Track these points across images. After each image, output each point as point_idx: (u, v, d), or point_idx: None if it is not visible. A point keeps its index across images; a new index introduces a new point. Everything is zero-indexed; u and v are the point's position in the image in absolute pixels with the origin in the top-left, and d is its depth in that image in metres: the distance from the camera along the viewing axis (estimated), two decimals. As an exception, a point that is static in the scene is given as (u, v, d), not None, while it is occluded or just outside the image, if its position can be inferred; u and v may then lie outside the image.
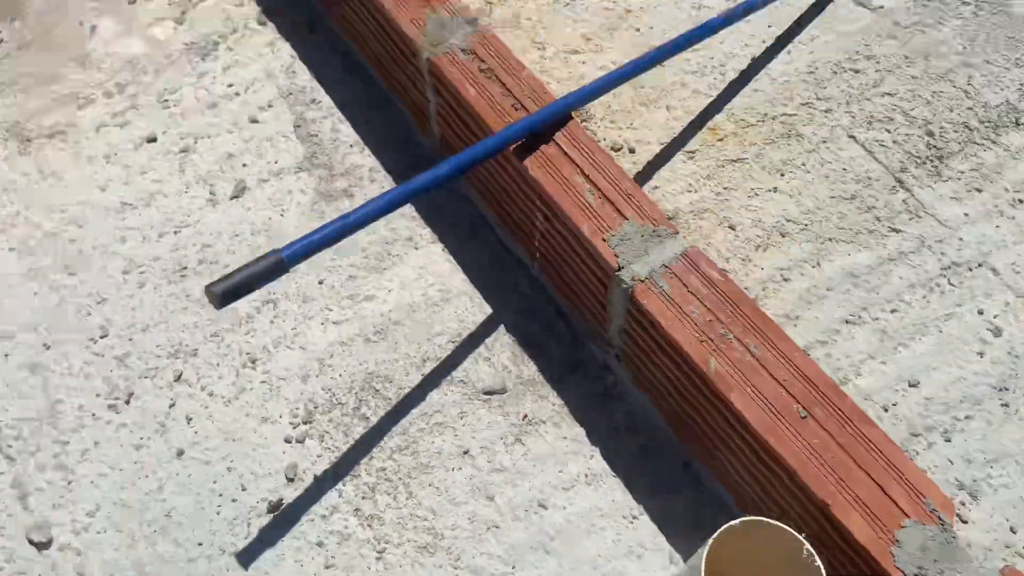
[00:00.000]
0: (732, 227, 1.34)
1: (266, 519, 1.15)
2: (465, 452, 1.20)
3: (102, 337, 1.28)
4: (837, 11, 1.58)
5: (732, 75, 1.50)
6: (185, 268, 1.34)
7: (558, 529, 1.14)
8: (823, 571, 0.90)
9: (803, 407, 1.00)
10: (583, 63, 1.51)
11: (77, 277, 1.33)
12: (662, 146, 1.42)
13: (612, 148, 1.42)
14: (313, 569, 1.11)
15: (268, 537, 1.13)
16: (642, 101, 1.47)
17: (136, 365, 1.25)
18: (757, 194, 1.38)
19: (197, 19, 1.61)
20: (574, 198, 1.13)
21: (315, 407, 1.23)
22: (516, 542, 1.13)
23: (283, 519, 1.15)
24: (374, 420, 1.22)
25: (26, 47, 1.55)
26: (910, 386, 1.23)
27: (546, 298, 1.32)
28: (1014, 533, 1.13)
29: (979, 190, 1.41)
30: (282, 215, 1.40)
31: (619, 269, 1.08)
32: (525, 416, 1.22)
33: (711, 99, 1.47)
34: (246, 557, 1.11)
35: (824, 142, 1.44)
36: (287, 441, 1.20)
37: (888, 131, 1.45)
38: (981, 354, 1.26)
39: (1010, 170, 1.43)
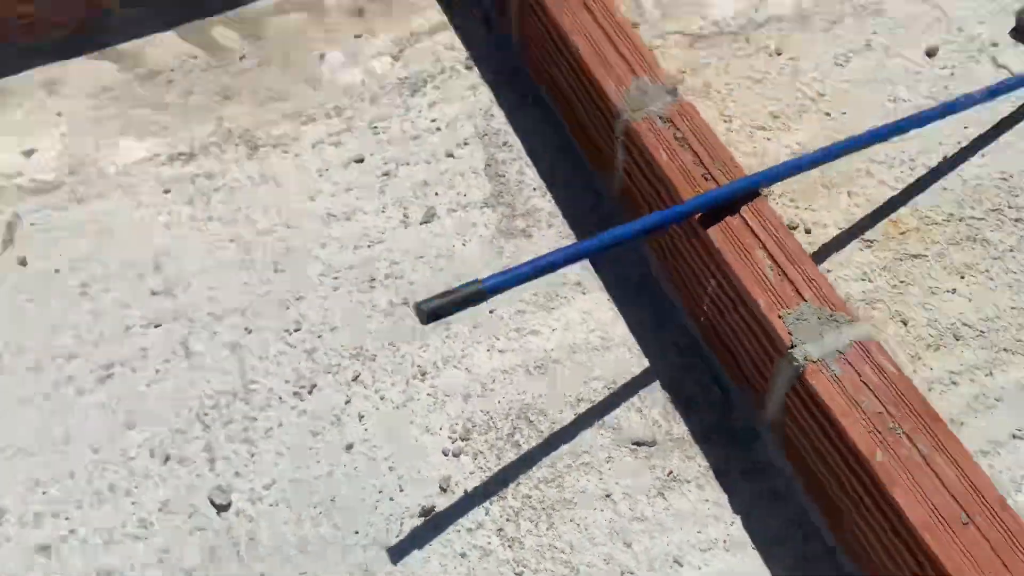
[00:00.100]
0: (904, 322, 1.34)
1: (418, 521, 1.24)
2: (608, 495, 1.25)
3: (295, 331, 1.42)
4: (1039, 119, 1.56)
5: (921, 171, 1.50)
6: (374, 280, 1.48)
7: (690, 588, 1.17)
8: None
9: (966, 512, 0.99)
10: (768, 140, 1.55)
11: (282, 274, 1.49)
12: (839, 231, 1.44)
13: (788, 226, 1.45)
14: (453, 577, 1.19)
15: (418, 539, 1.22)
16: (824, 183, 1.50)
17: (321, 360, 1.39)
18: (935, 293, 1.37)
19: (412, 57, 1.78)
20: (754, 271, 1.17)
21: (473, 426, 1.32)
22: (647, 592, 1.16)
23: (433, 525, 1.23)
24: (525, 448, 1.30)
25: (266, 64, 1.77)
26: (1079, 515, 1.18)
27: (704, 360, 1.36)
28: None
29: None
30: (464, 244, 1.52)
31: (792, 347, 1.11)
32: (671, 472, 1.26)
33: (896, 192, 1.47)
34: (396, 554, 1.21)
35: (1011, 250, 1.41)
36: (444, 453, 1.30)
37: (1083, 248, 1.41)
38: None
39: None
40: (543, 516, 1.23)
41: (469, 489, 1.26)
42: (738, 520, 1.21)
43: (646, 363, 1.36)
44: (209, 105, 1.69)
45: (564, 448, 1.29)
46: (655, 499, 1.24)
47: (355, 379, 1.37)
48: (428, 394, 1.35)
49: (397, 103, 1.71)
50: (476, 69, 1.76)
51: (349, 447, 1.31)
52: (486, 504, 1.25)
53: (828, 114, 1.58)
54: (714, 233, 1.21)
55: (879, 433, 1.03)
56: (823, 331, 1.12)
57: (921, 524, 0.98)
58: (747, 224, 1.21)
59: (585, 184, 1.58)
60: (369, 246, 1.52)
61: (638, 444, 1.29)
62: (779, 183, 1.50)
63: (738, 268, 1.17)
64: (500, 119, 1.68)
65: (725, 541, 1.20)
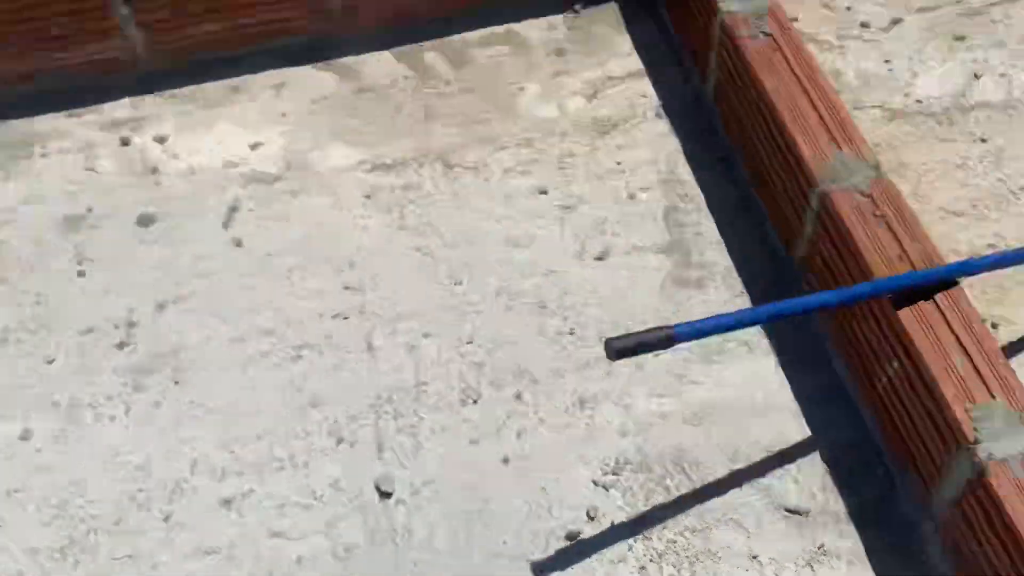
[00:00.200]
0: (1098, 437, 1.27)
1: (563, 544, 1.28)
2: (754, 557, 1.25)
3: (468, 343, 1.51)
4: None
5: None
6: (545, 307, 1.55)
7: (830, 667, 1.15)
8: None
9: None
10: (964, 227, 1.52)
11: (460, 287, 1.59)
12: (1031, 331, 1.39)
13: (975, 318, 1.41)
14: (591, 606, 1.23)
15: (561, 560, 1.27)
16: (1020, 280, 1.44)
17: (488, 374, 1.47)
18: None
19: (605, 100, 1.86)
20: (943, 360, 1.15)
21: (626, 463, 1.36)
22: (784, 662, 1.16)
23: (577, 550, 1.28)
24: (675, 494, 1.32)
25: (468, 91, 1.89)
26: None
27: (871, 439, 1.34)
28: None
29: None
30: (635, 286, 1.56)
31: (974, 443, 1.09)
32: (822, 546, 1.24)
33: (1100, 299, 1.40)
34: (539, 570, 1.26)
35: None
36: (595, 484, 1.34)
37: None
38: None
39: None
40: (686, 563, 1.25)
41: (616, 522, 1.30)
42: (889, 609, 1.18)
43: (808, 432, 1.36)
44: (414, 122, 1.83)
45: (715, 502, 1.31)
46: (803, 569, 1.23)
47: (517, 397, 1.44)
48: (585, 424, 1.40)
49: (586, 142, 1.79)
50: (666, 118, 1.81)
51: (505, 460, 1.37)
52: (630, 540, 1.28)
53: (1032, 209, 1.53)
54: (905, 316, 1.20)
55: (1067, 549, 0.99)
56: (1011, 433, 1.08)
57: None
58: (941, 312, 1.20)
59: (765, 246, 1.59)
60: (544, 274, 1.59)
61: (791, 511, 1.28)
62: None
63: (927, 354, 1.16)
64: (684, 169, 1.72)
65: (873, 627, 1.17)
